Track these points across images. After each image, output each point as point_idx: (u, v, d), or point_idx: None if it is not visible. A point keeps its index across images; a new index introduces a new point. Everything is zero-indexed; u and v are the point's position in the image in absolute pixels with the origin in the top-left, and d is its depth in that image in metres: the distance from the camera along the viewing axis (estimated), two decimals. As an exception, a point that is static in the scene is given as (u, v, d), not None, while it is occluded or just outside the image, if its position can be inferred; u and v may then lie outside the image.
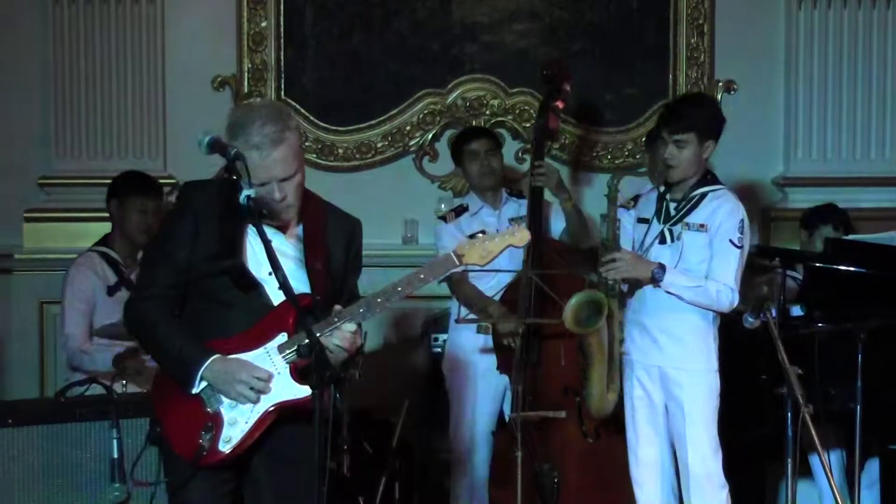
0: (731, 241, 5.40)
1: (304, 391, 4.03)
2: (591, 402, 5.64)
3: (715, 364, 5.48)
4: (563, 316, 5.39)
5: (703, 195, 5.45)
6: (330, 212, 4.35)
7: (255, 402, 4.10)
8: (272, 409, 4.11)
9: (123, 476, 5.14)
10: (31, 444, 5.17)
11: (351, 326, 4.10)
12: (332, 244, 4.29)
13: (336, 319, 4.09)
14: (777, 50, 7.75)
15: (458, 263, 4.18)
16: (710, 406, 5.46)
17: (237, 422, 4.11)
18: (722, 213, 5.41)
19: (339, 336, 4.09)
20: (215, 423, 4.11)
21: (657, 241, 5.45)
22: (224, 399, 4.12)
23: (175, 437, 4.15)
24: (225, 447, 4.10)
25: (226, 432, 4.10)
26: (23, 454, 5.16)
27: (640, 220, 5.57)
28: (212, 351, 4.11)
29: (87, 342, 6.12)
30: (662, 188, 5.54)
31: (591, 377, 5.55)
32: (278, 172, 4.07)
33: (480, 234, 4.28)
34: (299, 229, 4.26)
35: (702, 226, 5.41)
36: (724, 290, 5.36)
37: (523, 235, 4.23)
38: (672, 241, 5.44)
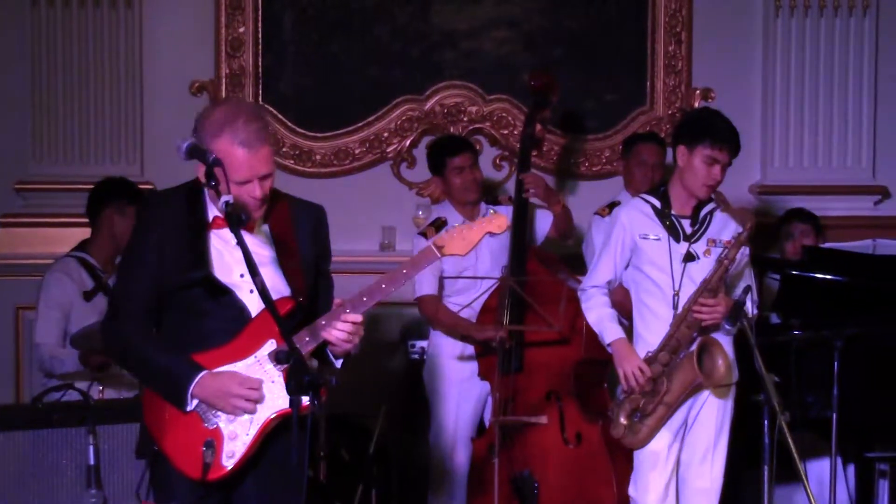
0: (749, 262, 5.42)
1: (301, 399, 4.00)
2: (634, 438, 5.37)
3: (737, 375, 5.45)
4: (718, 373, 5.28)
5: (711, 210, 5.41)
6: (291, 204, 4.30)
7: (253, 412, 4.07)
8: (272, 418, 4.07)
9: (100, 482, 5.13)
10: (6, 450, 5.15)
11: (356, 317, 4.08)
12: (300, 238, 4.25)
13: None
14: (754, 58, 7.78)
15: (439, 255, 4.17)
16: (731, 418, 5.44)
17: (238, 435, 4.06)
18: (735, 229, 5.37)
19: (342, 327, 4.08)
20: (216, 438, 4.05)
21: (683, 259, 5.35)
22: (221, 413, 4.07)
23: (178, 458, 4.08)
24: (229, 462, 4.05)
25: (228, 447, 4.05)
26: (-1, 460, 5.16)
27: (643, 237, 5.38)
28: (199, 366, 4.06)
29: (57, 348, 6.10)
30: (659, 204, 5.41)
31: (653, 416, 5.30)
32: (263, 169, 4.06)
33: (457, 225, 4.25)
34: (265, 228, 4.22)
35: (728, 242, 5.36)
36: (756, 313, 5.36)
37: (501, 222, 4.21)
38: (698, 258, 5.37)
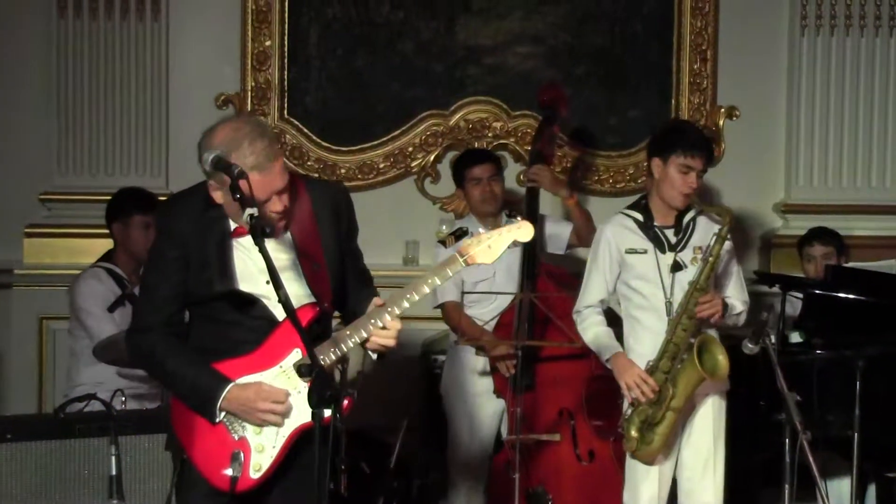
0: (735, 260, 5.45)
1: (323, 412, 3.99)
2: (647, 449, 5.33)
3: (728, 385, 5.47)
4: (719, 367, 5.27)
5: (693, 217, 5.43)
6: (311, 191, 4.26)
7: (280, 425, 4.09)
8: (296, 431, 4.09)
9: (122, 493, 5.14)
10: (29, 459, 5.17)
11: (397, 324, 4.10)
12: (324, 229, 4.23)
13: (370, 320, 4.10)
14: (779, 76, 7.77)
15: (464, 264, 4.13)
16: (724, 429, 5.44)
17: (265, 448, 4.09)
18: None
19: (383, 335, 4.09)
20: (243, 449, 4.08)
21: (671, 270, 5.37)
22: (247, 425, 4.10)
23: (206, 468, 4.11)
24: (256, 474, 4.08)
25: (255, 459, 4.09)
26: (21, 470, 5.15)
27: (630, 251, 5.42)
28: (226, 379, 4.08)
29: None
30: (642, 217, 5.44)
31: (663, 423, 5.29)
32: (278, 185, 4.04)
33: (483, 232, 4.22)
34: (288, 231, 4.21)
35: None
36: (745, 309, 5.42)
37: (528, 230, 4.17)
38: (685, 267, 5.38)
